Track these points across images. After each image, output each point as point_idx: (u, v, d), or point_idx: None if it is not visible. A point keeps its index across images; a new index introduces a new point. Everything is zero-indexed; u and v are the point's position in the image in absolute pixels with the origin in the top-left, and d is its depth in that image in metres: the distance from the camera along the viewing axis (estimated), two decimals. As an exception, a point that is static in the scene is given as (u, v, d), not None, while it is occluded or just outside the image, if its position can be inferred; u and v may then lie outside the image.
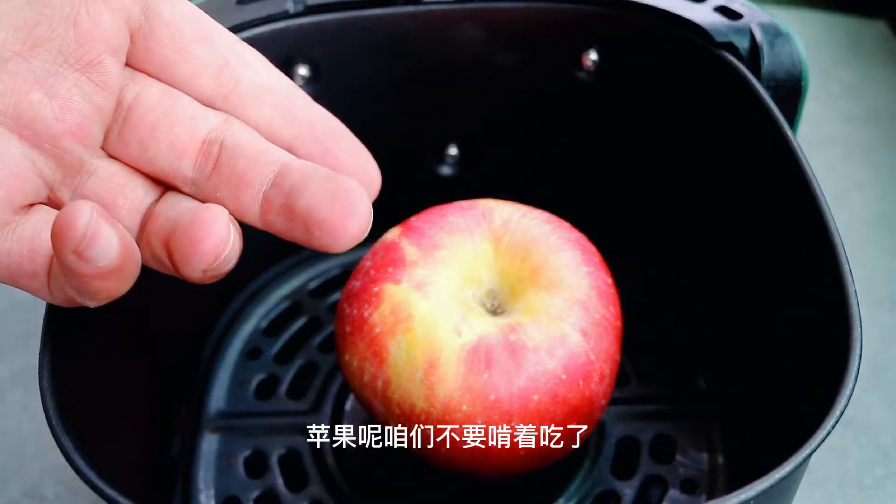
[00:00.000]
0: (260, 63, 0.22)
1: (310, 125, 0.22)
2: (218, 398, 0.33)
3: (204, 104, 0.21)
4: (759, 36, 0.30)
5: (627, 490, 0.30)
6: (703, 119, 0.32)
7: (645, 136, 0.35)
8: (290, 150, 0.21)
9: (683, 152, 0.34)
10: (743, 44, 0.30)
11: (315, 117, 0.22)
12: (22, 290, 0.20)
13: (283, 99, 0.22)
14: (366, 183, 0.22)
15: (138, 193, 0.21)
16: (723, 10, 0.31)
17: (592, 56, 0.34)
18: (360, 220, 0.20)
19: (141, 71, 0.21)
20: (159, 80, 0.21)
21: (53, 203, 0.20)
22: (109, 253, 0.17)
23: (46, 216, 0.19)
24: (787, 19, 0.31)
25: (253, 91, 0.21)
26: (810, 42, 0.39)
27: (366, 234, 0.20)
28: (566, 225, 0.28)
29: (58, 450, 0.21)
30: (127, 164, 0.21)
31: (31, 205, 0.19)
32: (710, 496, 0.29)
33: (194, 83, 0.21)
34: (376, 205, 0.24)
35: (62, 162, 0.19)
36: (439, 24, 0.33)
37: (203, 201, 0.21)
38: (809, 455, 0.20)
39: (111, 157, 0.21)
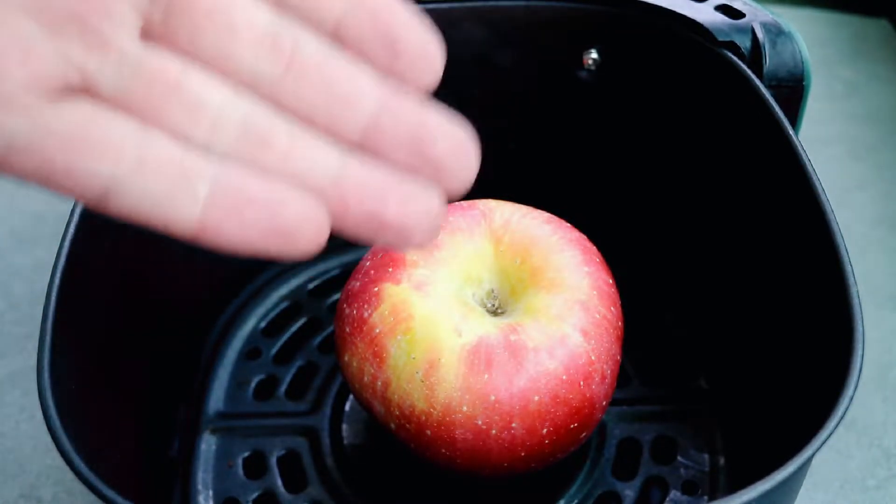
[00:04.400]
0: None
1: None
2: (217, 399, 0.33)
3: None
4: (760, 35, 0.30)
5: (628, 491, 0.30)
6: (704, 118, 0.32)
7: (646, 136, 0.35)
8: (340, 23, 0.20)
9: (685, 152, 0.34)
10: (745, 43, 0.30)
11: None
12: (57, 192, 0.18)
13: None
14: (427, 61, 0.20)
15: (199, 91, 0.19)
16: (724, 9, 0.31)
17: (593, 55, 0.34)
18: (475, 169, 0.21)
19: None
20: None
21: (95, 93, 0.18)
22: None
23: (87, 110, 0.18)
24: (789, 18, 0.31)
25: None
26: (812, 41, 0.39)
27: None
28: (566, 225, 0.28)
29: (56, 451, 0.21)
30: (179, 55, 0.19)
31: (63, 93, 0.18)
32: (712, 497, 0.29)
33: None
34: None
35: (93, 45, 0.17)
36: (439, 23, 0.33)
37: (279, 104, 0.19)
38: (811, 456, 0.20)
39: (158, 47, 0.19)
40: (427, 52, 0.20)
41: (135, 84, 0.18)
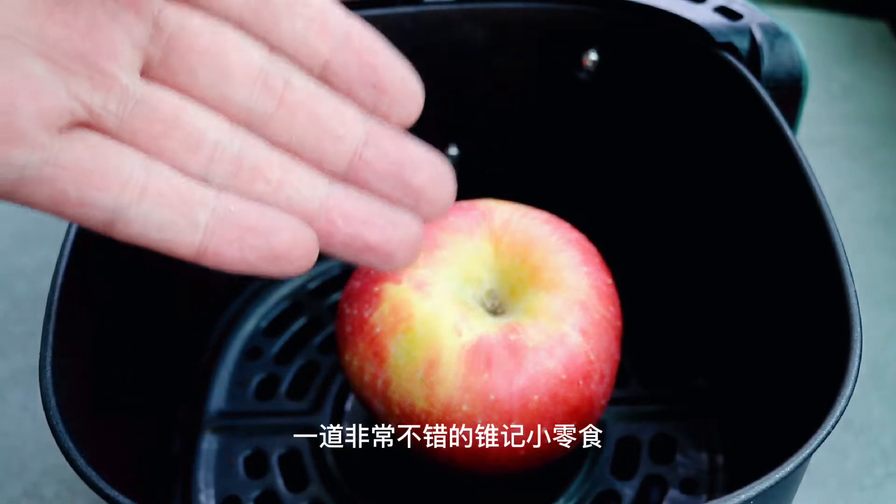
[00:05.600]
0: None
1: (346, 37, 0.21)
2: (218, 398, 0.33)
3: (235, 23, 0.20)
4: (759, 36, 0.30)
5: (627, 490, 0.30)
6: (703, 119, 0.32)
7: (645, 137, 0.35)
8: (327, 64, 0.21)
9: (683, 152, 0.34)
10: (743, 44, 0.30)
11: (351, 28, 0.21)
12: (67, 219, 0.19)
13: (317, 12, 0.21)
14: (408, 97, 0.22)
15: (197, 125, 0.20)
16: (723, 11, 0.31)
17: (592, 56, 0.34)
18: (453, 194, 0.22)
19: None
20: None
21: (99, 128, 0.19)
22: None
23: (92, 142, 0.19)
24: (787, 20, 0.31)
25: (285, 4, 0.21)
26: (810, 42, 0.39)
27: None
28: (566, 225, 0.28)
29: (58, 449, 0.21)
30: (177, 93, 0.20)
31: (71, 127, 0.19)
32: (710, 496, 0.29)
33: (225, 1, 0.20)
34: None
35: (97, 83, 0.19)
36: (439, 25, 0.33)
37: (270, 140, 0.21)
38: (809, 455, 0.20)
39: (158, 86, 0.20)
40: (408, 89, 0.22)
41: (137, 119, 0.19)
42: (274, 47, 0.21)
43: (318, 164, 0.21)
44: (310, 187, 0.21)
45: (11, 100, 0.17)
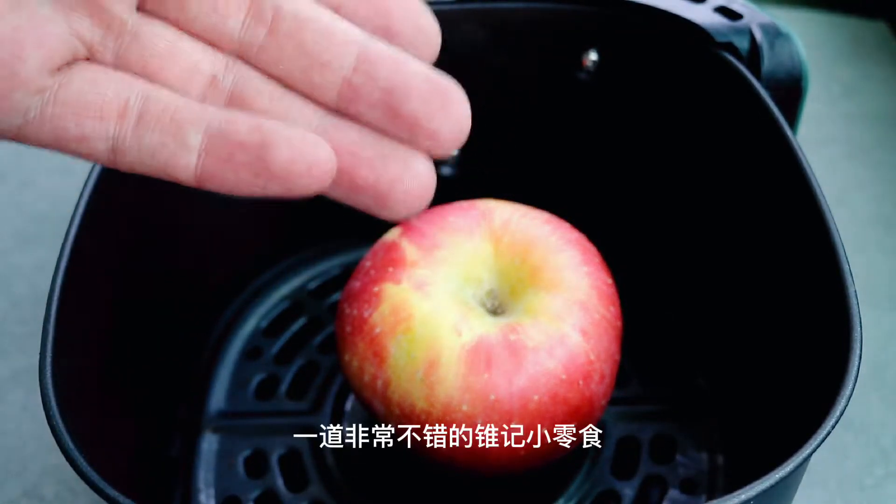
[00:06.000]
0: None
1: None
2: (218, 398, 0.33)
3: None
4: (759, 36, 0.30)
5: (627, 490, 0.30)
6: (703, 119, 0.32)
7: (645, 137, 0.35)
8: (337, 9, 0.20)
9: (683, 153, 0.34)
10: (743, 44, 0.30)
11: None
12: (71, 155, 0.20)
13: None
14: (423, 43, 0.20)
15: (192, 58, 0.20)
16: (723, 11, 0.31)
17: (592, 56, 0.34)
18: (464, 126, 0.20)
19: None
20: None
21: (97, 60, 0.20)
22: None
23: (90, 75, 0.19)
24: (787, 20, 0.31)
25: None
26: (810, 42, 0.39)
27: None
28: (566, 225, 0.28)
29: (58, 450, 0.21)
30: (170, 26, 0.20)
31: (71, 64, 0.19)
32: (710, 496, 0.30)
33: None
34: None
35: (99, 19, 0.19)
36: (439, 25, 0.33)
37: (258, 69, 0.20)
38: (809, 455, 0.20)
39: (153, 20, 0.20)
40: (423, 34, 0.20)
41: (133, 52, 0.20)
42: None
43: (309, 95, 0.20)
44: (300, 118, 0.20)
45: (18, 49, 0.18)
